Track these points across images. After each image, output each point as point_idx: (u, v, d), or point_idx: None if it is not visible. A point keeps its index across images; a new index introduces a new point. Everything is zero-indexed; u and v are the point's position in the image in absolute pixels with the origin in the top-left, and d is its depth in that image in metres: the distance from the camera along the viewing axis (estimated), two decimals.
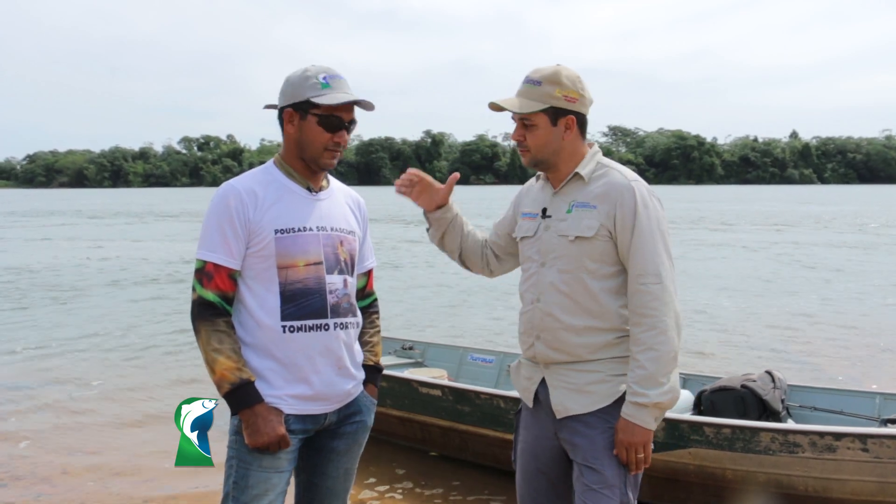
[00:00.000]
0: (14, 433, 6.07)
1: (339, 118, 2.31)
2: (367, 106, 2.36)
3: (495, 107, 2.40)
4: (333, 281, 2.33)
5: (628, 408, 2.28)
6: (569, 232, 2.35)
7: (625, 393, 2.33)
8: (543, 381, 2.43)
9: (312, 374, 2.29)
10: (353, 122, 2.36)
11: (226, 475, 2.29)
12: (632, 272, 2.30)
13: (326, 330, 2.30)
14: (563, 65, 2.39)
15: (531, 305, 2.43)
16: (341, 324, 2.34)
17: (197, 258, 2.28)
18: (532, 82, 2.37)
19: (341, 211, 2.43)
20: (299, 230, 2.29)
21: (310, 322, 2.28)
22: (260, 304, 2.27)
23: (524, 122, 2.39)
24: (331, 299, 2.32)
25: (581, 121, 2.41)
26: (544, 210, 2.45)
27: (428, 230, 2.69)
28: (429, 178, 2.61)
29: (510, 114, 2.41)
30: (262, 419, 2.20)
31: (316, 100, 2.27)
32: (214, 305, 2.24)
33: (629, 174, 2.39)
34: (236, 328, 2.29)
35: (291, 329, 2.26)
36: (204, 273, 2.25)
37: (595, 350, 2.34)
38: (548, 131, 2.37)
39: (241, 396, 2.20)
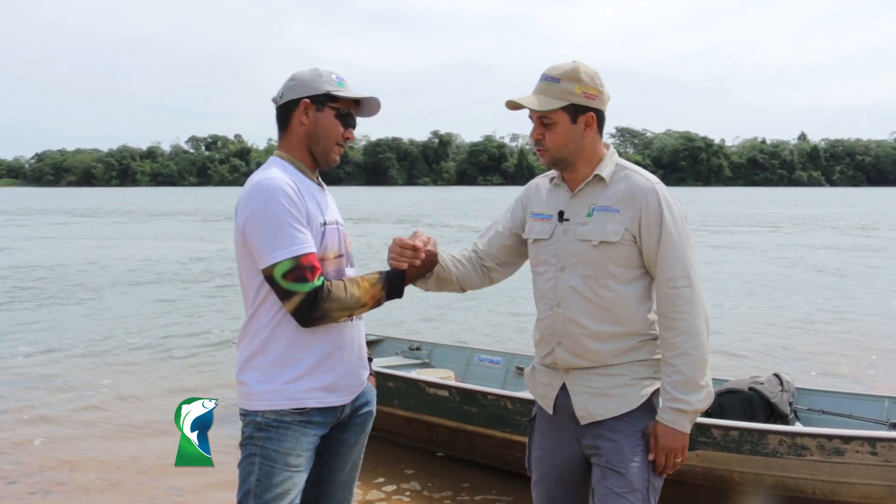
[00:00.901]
0: (24, 432, 6.10)
1: (352, 115, 2.40)
2: (373, 108, 2.45)
3: (513, 105, 2.33)
4: (350, 273, 2.41)
5: (668, 414, 2.26)
6: (592, 236, 2.31)
7: (650, 397, 2.33)
8: (563, 386, 2.39)
9: (339, 364, 2.32)
10: (356, 123, 2.45)
11: (245, 472, 2.26)
12: (661, 276, 2.26)
13: (351, 320, 2.36)
14: (581, 61, 2.34)
15: (550, 311, 2.38)
16: (358, 314, 2.39)
17: (281, 261, 2.16)
18: (550, 79, 2.31)
19: (335, 205, 2.51)
20: (327, 223, 2.34)
21: None
22: None
23: (543, 120, 2.33)
24: None
25: (600, 118, 2.36)
26: (561, 213, 2.39)
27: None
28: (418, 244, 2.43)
29: (522, 113, 2.36)
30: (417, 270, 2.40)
31: (336, 93, 2.35)
32: (319, 287, 2.20)
33: (650, 176, 2.35)
34: (268, 321, 2.27)
35: None
36: (303, 269, 2.17)
37: (618, 355, 2.32)
38: (568, 129, 2.32)
39: (395, 286, 2.38)
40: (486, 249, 2.60)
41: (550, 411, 2.43)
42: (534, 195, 2.54)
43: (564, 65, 2.33)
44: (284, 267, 2.17)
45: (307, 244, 2.20)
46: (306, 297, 2.18)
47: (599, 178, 2.35)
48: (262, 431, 2.25)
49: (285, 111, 2.38)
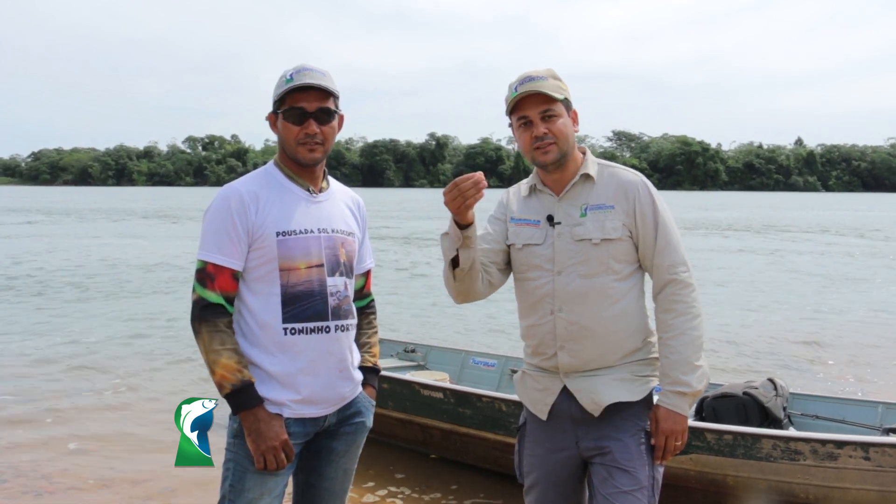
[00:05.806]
0: (17, 432, 6.08)
1: (300, 109, 2.30)
2: (319, 79, 2.29)
3: (525, 96, 2.29)
4: (334, 283, 2.33)
5: (668, 397, 2.30)
6: (591, 235, 2.31)
7: (650, 393, 2.36)
8: (563, 390, 2.37)
9: (313, 377, 2.29)
10: (324, 111, 2.31)
11: (223, 477, 2.30)
12: (662, 263, 2.31)
13: (328, 332, 2.31)
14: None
15: (550, 316, 2.36)
16: (342, 326, 2.35)
17: (198, 259, 2.28)
18: (540, 78, 2.32)
19: (341, 212, 2.43)
20: (301, 232, 2.30)
21: (311, 324, 2.28)
22: (262, 306, 2.27)
23: (546, 113, 2.31)
24: (332, 301, 2.32)
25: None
26: (550, 217, 2.38)
27: (454, 261, 2.32)
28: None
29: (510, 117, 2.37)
30: (265, 424, 2.21)
31: (278, 95, 2.32)
32: (216, 306, 2.24)
33: (634, 171, 2.41)
34: (236, 330, 2.29)
35: (293, 331, 2.27)
36: (205, 274, 2.25)
37: (623, 355, 2.34)
38: (567, 122, 2.35)
39: (243, 399, 2.21)
40: (485, 255, 2.45)
41: (544, 417, 2.41)
42: (511, 203, 2.50)
43: (540, 68, 2.37)
44: (198, 265, 2.29)
45: (224, 254, 2.25)
46: (194, 302, 2.26)
47: (587, 177, 2.37)
48: (236, 438, 2.28)
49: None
